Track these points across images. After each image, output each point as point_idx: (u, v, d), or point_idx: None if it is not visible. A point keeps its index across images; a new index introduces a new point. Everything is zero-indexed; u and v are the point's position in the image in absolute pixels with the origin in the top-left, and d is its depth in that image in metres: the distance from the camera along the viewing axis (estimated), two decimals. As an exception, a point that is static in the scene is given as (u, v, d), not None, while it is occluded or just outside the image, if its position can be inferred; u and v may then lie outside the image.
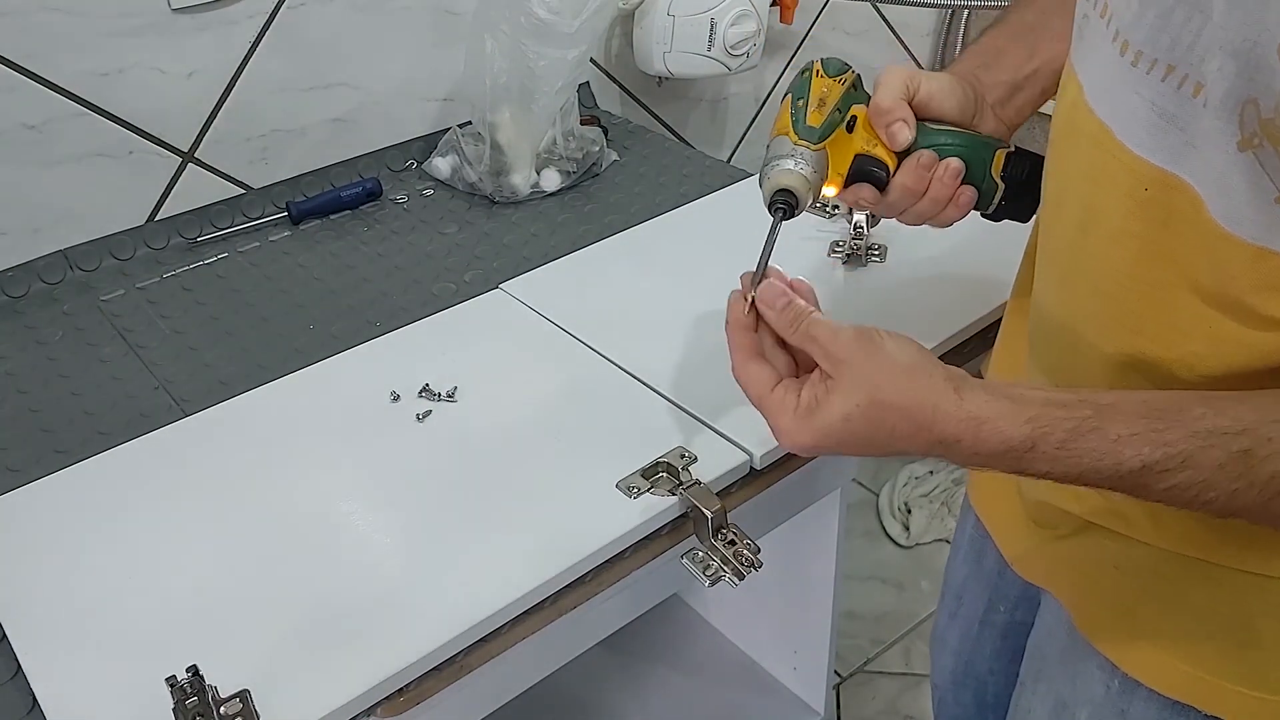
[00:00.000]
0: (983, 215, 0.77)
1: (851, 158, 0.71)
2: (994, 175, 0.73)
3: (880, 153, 0.71)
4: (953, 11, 1.85)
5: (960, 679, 0.96)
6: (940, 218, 0.74)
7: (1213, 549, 0.61)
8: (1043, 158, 0.73)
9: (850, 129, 0.71)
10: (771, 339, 0.63)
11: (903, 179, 0.71)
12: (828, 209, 1.10)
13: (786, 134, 0.68)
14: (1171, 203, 0.53)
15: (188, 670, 0.60)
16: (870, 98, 0.72)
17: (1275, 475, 0.50)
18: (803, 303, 0.61)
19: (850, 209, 1.04)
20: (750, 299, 0.63)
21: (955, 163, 0.71)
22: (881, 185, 0.72)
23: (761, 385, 0.61)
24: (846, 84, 0.71)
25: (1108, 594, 0.68)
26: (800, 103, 0.69)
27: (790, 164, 0.67)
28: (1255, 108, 0.46)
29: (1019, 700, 0.81)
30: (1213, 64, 0.47)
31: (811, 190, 0.68)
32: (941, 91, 0.71)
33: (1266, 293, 0.52)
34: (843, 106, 0.70)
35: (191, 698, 0.60)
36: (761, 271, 0.64)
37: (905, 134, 0.70)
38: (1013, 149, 0.74)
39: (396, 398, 0.87)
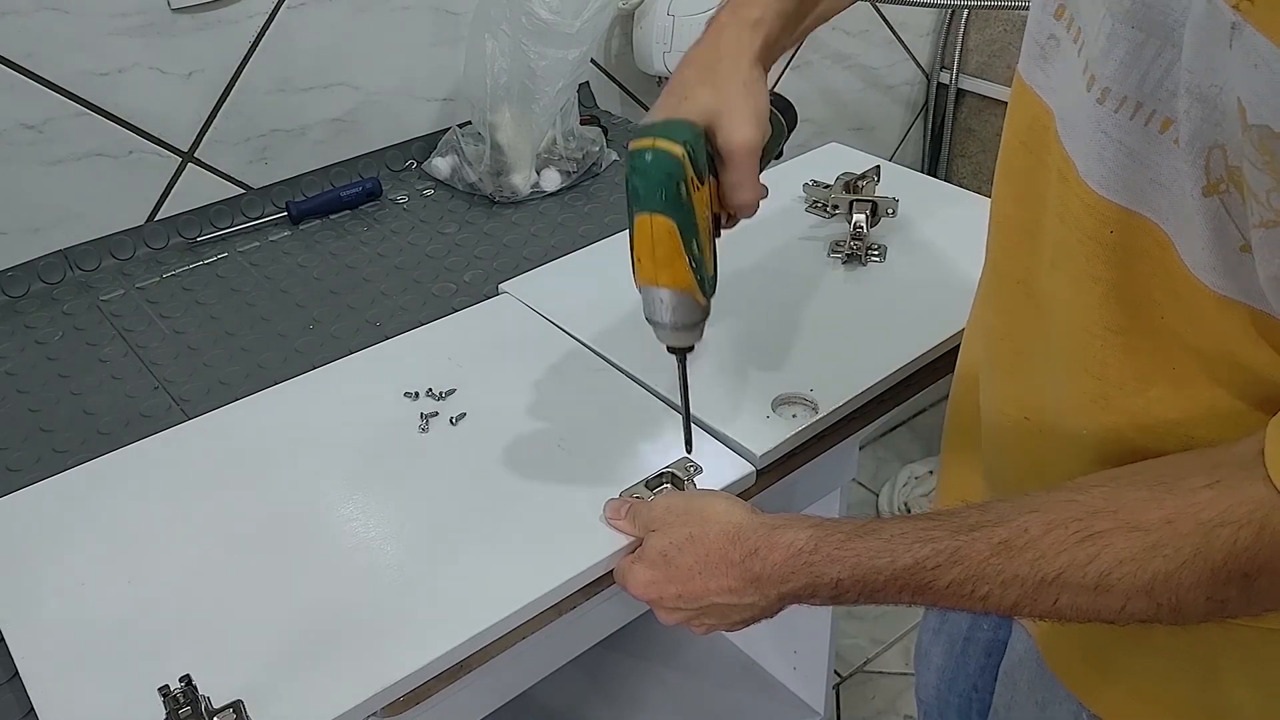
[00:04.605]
0: None
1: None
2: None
3: (720, 207, 0.71)
4: (952, 11, 1.85)
5: (945, 695, 0.96)
6: None
7: None
8: (785, 106, 0.78)
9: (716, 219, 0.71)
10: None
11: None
12: (826, 209, 1.10)
13: (692, 295, 0.67)
14: (1138, 245, 0.51)
15: (180, 680, 0.59)
16: (710, 154, 0.69)
17: (1033, 563, 0.51)
18: (628, 500, 0.73)
19: (850, 209, 1.04)
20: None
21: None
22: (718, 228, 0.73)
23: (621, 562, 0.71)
24: (709, 183, 0.67)
25: (1074, 630, 0.67)
26: (694, 246, 0.66)
27: (701, 329, 0.71)
28: (1223, 154, 0.45)
29: None
30: (1182, 104, 0.46)
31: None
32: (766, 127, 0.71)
33: (1231, 341, 0.50)
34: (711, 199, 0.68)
35: (184, 707, 0.59)
36: (687, 410, 0.75)
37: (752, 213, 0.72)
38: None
39: (397, 403, 0.87)
